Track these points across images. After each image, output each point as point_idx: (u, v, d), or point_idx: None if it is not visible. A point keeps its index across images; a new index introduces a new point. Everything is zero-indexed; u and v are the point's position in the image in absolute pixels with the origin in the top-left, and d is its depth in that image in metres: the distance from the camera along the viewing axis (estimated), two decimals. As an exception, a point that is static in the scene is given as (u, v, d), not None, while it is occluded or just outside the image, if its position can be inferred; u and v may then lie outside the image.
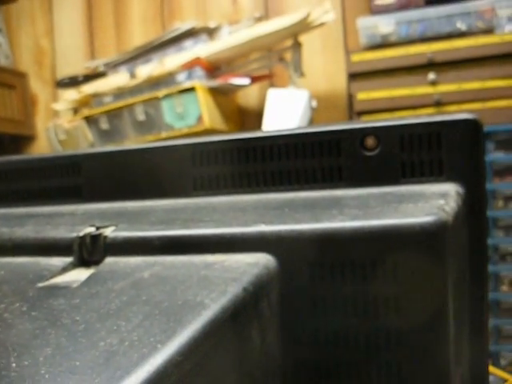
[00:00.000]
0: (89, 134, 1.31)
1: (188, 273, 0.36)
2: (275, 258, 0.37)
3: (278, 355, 0.37)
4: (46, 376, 0.29)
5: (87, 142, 1.31)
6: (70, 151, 0.53)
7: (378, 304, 0.35)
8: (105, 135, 1.31)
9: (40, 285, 0.39)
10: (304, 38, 1.29)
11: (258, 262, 0.36)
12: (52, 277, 0.40)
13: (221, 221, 0.41)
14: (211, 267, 0.36)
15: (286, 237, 0.37)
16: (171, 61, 1.29)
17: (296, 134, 0.44)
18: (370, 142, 0.43)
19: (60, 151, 1.36)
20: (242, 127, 1.48)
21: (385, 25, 1.20)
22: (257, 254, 0.37)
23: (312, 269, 0.36)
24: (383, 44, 1.22)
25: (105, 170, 0.51)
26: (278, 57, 1.30)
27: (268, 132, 0.46)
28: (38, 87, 1.80)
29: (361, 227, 0.36)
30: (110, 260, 0.40)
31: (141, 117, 1.25)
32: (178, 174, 0.48)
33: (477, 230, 0.42)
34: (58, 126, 1.36)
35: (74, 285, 0.38)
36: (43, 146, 1.77)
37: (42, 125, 1.79)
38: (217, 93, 1.28)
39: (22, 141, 1.79)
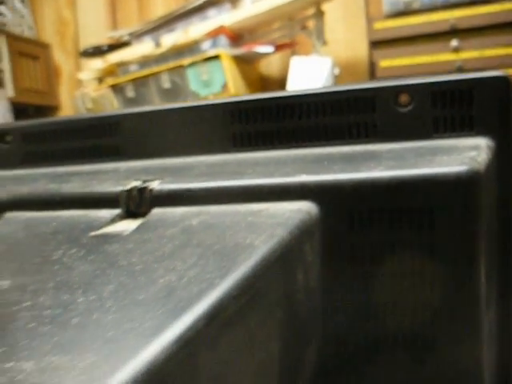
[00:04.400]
0: (115, 102, 1.33)
1: (235, 220, 0.38)
2: (316, 205, 0.38)
3: (319, 298, 0.38)
4: (113, 308, 0.31)
5: (114, 110, 1.32)
6: (109, 111, 0.55)
7: (413, 251, 0.37)
8: (131, 103, 1.33)
9: (92, 234, 0.41)
10: (326, 7, 1.30)
11: (301, 209, 0.38)
12: (102, 227, 0.42)
13: (263, 172, 0.42)
14: (257, 214, 0.38)
15: (326, 185, 0.39)
16: (195, 29, 1.30)
17: (333, 91, 0.46)
18: (404, 98, 0.45)
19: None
20: (265, 95, 1.49)
21: (407, -9, 1.20)
22: (300, 201, 0.39)
23: (351, 217, 0.38)
24: (406, 11, 1.22)
25: (143, 128, 0.53)
26: (300, 25, 1.31)
27: (306, 90, 0.48)
28: (61, 58, 1.82)
29: (399, 176, 0.37)
30: (157, 211, 0.42)
31: (166, 85, 1.26)
32: (217, 131, 0.49)
33: (506, 185, 0.44)
34: (85, 95, 1.38)
35: (125, 233, 0.40)
36: (67, 116, 1.78)
37: (65, 95, 1.81)
38: (240, 61, 1.29)
39: (46, 111, 1.81)
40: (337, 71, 1.25)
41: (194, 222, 0.39)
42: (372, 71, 1.35)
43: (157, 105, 1.29)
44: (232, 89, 1.23)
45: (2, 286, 0.36)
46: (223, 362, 0.30)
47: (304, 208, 0.38)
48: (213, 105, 0.50)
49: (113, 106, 1.36)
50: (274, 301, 0.35)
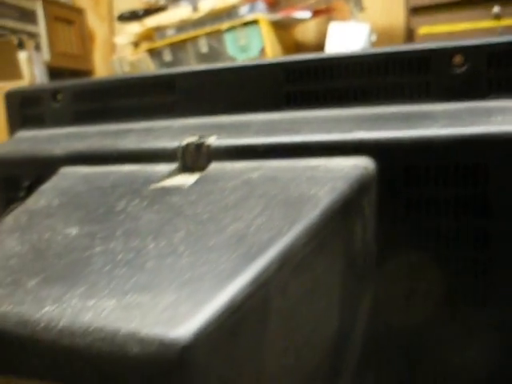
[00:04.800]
0: (152, 66, 1.34)
1: (295, 174, 0.39)
2: (373, 161, 0.39)
3: (374, 251, 0.39)
4: (185, 253, 0.32)
5: (150, 75, 1.32)
6: (164, 69, 0.56)
7: (467, 206, 0.38)
8: (168, 67, 1.33)
9: (152, 186, 0.42)
10: (363, -28, 1.29)
11: (359, 164, 0.39)
12: (160, 180, 0.43)
13: (319, 129, 0.43)
14: (316, 169, 0.39)
15: (384, 142, 0.39)
16: (233, -6, 1.30)
17: (388, 52, 0.46)
18: (458, 59, 0.45)
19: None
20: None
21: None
22: (357, 157, 0.39)
23: (407, 173, 0.39)
24: (447, -24, 1.20)
25: (199, 86, 0.53)
26: (338, -9, 1.31)
27: (361, 50, 0.48)
28: (95, 23, 1.82)
29: (456, 134, 0.38)
30: (214, 165, 0.43)
31: (204, 49, 1.27)
32: (271, 90, 0.50)
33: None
34: (122, 59, 1.39)
35: (186, 186, 0.40)
36: (100, 81, 1.78)
37: (99, 60, 1.81)
38: (277, 26, 1.29)
39: (80, 75, 1.82)
40: (374, 38, 1.24)
41: (255, 175, 0.40)
42: (410, 38, 1.34)
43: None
44: (270, 54, 1.23)
45: (70, 233, 0.38)
46: (292, 307, 0.32)
47: (361, 163, 0.39)
48: (268, 64, 0.50)
49: (150, 71, 1.36)
50: (336, 250, 0.36)
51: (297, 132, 0.43)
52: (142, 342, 0.25)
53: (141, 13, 1.44)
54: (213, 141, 0.44)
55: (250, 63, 0.52)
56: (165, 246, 0.33)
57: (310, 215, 0.33)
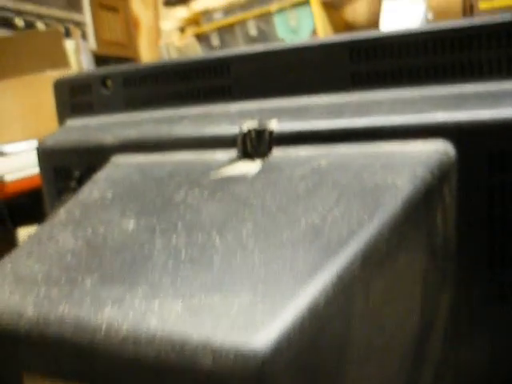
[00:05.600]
0: (200, 51, 1.31)
1: (368, 160, 0.36)
2: (453, 146, 0.36)
3: (454, 240, 0.36)
4: (256, 248, 0.29)
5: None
6: (219, 52, 0.53)
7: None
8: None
9: (212, 175, 0.39)
10: None
11: (438, 148, 0.35)
12: (221, 168, 0.40)
13: (392, 110, 0.40)
14: (391, 155, 0.36)
15: (465, 124, 0.36)
16: (282, -26, 1.27)
17: (464, 26, 0.43)
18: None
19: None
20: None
21: None
22: (435, 140, 0.36)
23: (491, 158, 0.35)
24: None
25: (255, 69, 0.51)
26: (391, -32, 1.26)
27: (430, 26, 0.44)
28: (140, 9, 1.81)
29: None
30: (278, 152, 0.40)
31: (253, 32, 1.24)
32: (335, 70, 0.47)
33: None
34: (169, 44, 1.37)
35: (249, 174, 0.38)
36: (146, 69, 1.78)
37: (144, 47, 1.80)
38: (328, 7, 1.25)
39: (126, 63, 1.82)
40: (431, 16, 1.20)
41: (323, 162, 0.37)
42: (469, 14, 1.28)
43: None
44: (321, 35, 1.19)
45: (127, 227, 0.35)
46: (375, 308, 0.29)
47: (441, 148, 0.36)
48: (330, 43, 0.47)
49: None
50: (418, 244, 0.33)
51: (366, 114, 0.40)
52: (215, 353, 0.22)
53: (187, -3, 1.42)
54: (274, 125, 0.41)
55: (311, 42, 0.48)
56: (232, 241, 0.31)
57: (390, 206, 0.30)
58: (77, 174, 0.52)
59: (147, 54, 1.77)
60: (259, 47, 0.51)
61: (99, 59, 1.59)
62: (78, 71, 1.18)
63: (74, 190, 0.48)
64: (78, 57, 1.18)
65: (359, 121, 0.39)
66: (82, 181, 0.49)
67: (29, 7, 1.39)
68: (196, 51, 1.31)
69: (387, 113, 0.39)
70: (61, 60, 1.15)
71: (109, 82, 0.59)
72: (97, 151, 0.50)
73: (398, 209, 0.30)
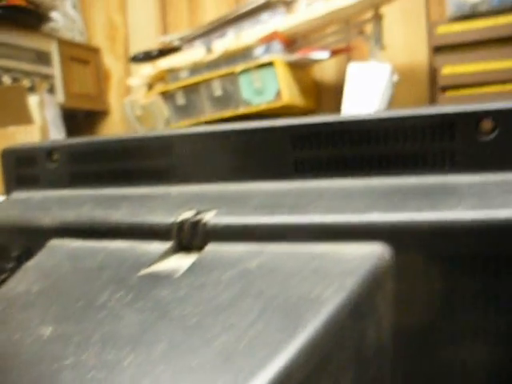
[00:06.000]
0: (165, 110, 1.30)
1: (299, 264, 0.34)
2: (390, 249, 0.34)
3: (390, 351, 0.35)
4: (164, 375, 0.28)
5: (163, 118, 1.30)
6: (161, 131, 0.52)
7: (500, 303, 0.33)
8: (181, 111, 1.30)
9: (141, 273, 0.38)
10: (384, 9, 1.24)
11: (372, 252, 0.34)
12: (152, 264, 0.39)
13: (329, 207, 0.38)
14: (323, 258, 0.35)
15: (402, 226, 0.35)
16: (248, 35, 1.26)
17: (406, 116, 0.42)
18: (487, 125, 0.40)
19: (138, 128, 1.36)
20: (319, 102, 1.45)
21: (475, -7, 1.13)
22: (371, 243, 0.35)
23: (430, 261, 0.34)
24: (472, 14, 1.15)
25: (198, 150, 0.49)
26: (357, 29, 1.26)
27: (376, 113, 0.44)
28: (111, 62, 1.81)
29: (486, 218, 0.33)
30: (211, 247, 0.39)
31: (218, 92, 1.23)
32: (278, 156, 0.46)
33: None
34: (134, 102, 1.36)
35: (177, 274, 0.37)
36: (116, 121, 1.78)
37: (114, 100, 1.80)
38: (294, 67, 1.25)
39: (95, 116, 1.81)
40: (396, 78, 1.20)
41: (253, 264, 0.36)
42: (433, 78, 1.30)
43: (208, 113, 1.26)
44: (286, 97, 1.18)
45: (44, 334, 0.34)
46: None
47: (376, 251, 0.34)
48: (274, 127, 0.46)
49: (162, 114, 1.33)
50: (343, 363, 0.31)
51: (305, 210, 0.38)
52: None
53: (154, 53, 1.42)
54: (210, 217, 0.40)
55: (255, 125, 0.47)
56: (142, 363, 0.29)
57: (311, 325, 0.29)
58: (15, 254, 0.50)
59: (117, 108, 1.77)
60: (202, 128, 0.50)
61: (68, 112, 1.58)
62: (43, 127, 1.16)
63: (13, 271, 0.46)
64: (43, 112, 1.16)
65: (295, 218, 0.38)
66: (20, 261, 0.47)
67: (-4, 61, 1.39)
68: (161, 110, 1.30)
69: (325, 209, 0.38)
70: (24, 116, 1.14)
71: (55, 156, 0.58)
72: (35, 232, 0.48)
73: (319, 328, 0.29)
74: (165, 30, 1.71)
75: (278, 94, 1.18)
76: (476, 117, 0.40)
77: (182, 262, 0.38)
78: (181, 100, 1.28)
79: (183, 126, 1.33)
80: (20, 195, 0.60)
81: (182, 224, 0.40)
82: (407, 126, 0.41)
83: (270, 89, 1.19)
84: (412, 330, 0.35)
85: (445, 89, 1.15)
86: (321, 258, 0.35)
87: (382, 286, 0.34)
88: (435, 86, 1.30)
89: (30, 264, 0.44)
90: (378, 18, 1.21)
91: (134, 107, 1.34)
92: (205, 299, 0.33)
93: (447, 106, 0.41)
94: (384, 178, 0.42)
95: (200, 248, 0.39)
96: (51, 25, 1.62)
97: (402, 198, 0.38)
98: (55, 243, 0.46)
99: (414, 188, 0.40)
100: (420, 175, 0.41)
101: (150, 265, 0.39)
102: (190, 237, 0.40)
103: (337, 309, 0.30)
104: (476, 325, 0.34)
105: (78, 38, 1.76)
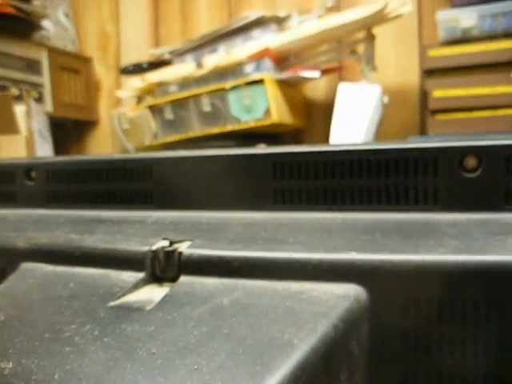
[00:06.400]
0: (153, 124, 1.29)
1: (272, 303, 0.33)
2: (366, 290, 0.33)
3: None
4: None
5: (151, 132, 1.29)
6: (141, 154, 0.50)
7: (478, 348, 0.32)
8: (169, 125, 1.28)
9: (112, 304, 0.37)
10: (375, 30, 1.24)
11: (348, 294, 0.33)
12: (123, 294, 0.38)
13: (306, 243, 0.37)
14: (297, 297, 0.34)
15: (379, 268, 0.34)
16: (239, 51, 1.25)
17: (388, 149, 0.41)
18: (471, 162, 0.39)
19: (124, 142, 1.35)
20: (309, 120, 1.44)
21: (466, 18, 1.13)
22: (346, 284, 0.34)
23: (407, 305, 0.33)
24: (463, 39, 1.15)
25: (178, 175, 0.48)
26: (349, 49, 1.26)
27: (357, 145, 0.43)
28: (102, 72, 1.80)
29: (464, 262, 0.32)
30: (184, 279, 0.38)
31: (207, 108, 1.22)
32: (257, 185, 0.45)
33: None
34: (121, 115, 1.35)
35: (148, 307, 0.35)
36: (105, 132, 1.77)
37: (104, 110, 1.79)
38: (285, 85, 1.24)
39: (84, 126, 1.80)
40: (386, 99, 1.19)
41: (226, 300, 0.35)
42: (423, 101, 1.29)
43: (196, 129, 1.24)
44: (275, 115, 1.17)
45: (4, 369, 0.32)
46: None
47: (351, 293, 0.33)
48: (254, 155, 0.45)
49: (150, 128, 1.32)
50: (313, 412, 0.30)
51: (280, 245, 0.37)
52: None
53: (145, 66, 1.40)
54: (184, 248, 0.39)
55: (236, 152, 0.46)
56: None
57: (280, 372, 0.28)
58: (-14, 276, 0.48)
59: (107, 118, 1.75)
60: (182, 152, 0.49)
61: (56, 121, 1.57)
62: (28, 137, 1.15)
63: (-17, 294, 0.45)
64: (29, 122, 1.15)
65: (271, 254, 0.36)
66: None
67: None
68: (149, 124, 1.29)
69: (302, 247, 0.37)
70: (10, 125, 1.12)
71: (33, 174, 0.57)
72: (8, 254, 0.47)
73: (287, 375, 0.28)
74: (157, 41, 1.70)
75: (267, 112, 1.17)
76: (460, 153, 0.39)
77: (153, 294, 0.37)
78: (169, 115, 1.27)
79: (171, 141, 1.32)
80: (-3, 212, 0.58)
81: (155, 254, 0.39)
82: (390, 159, 0.41)
83: (259, 106, 1.18)
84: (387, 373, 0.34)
85: (435, 112, 1.15)
86: (295, 297, 0.34)
87: (356, 329, 0.33)
88: (425, 109, 1.29)
89: (1, 289, 0.43)
90: (370, 39, 1.20)
91: (121, 120, 1.33)
92: (173, 337, 0.32)
93: (431, 140, 0.41)
94: (365, 212, 0.41)
95: (173, 279, 0.38)
96: (42, 33, 1.61)
97: (382, 235, 0.37)
98: (28, 266, 0.45)
99: (395, 225, 0.39)
100: (402, 211, 0.40)
101: (121, 296, 0.38)
102: (163, 268, 0.39)
103: (307, 354, 0.29)
104: (452, 368, 0.33)
105: (70, 46, 1.75)
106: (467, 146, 0.40)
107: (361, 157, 0.42)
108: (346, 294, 0.33)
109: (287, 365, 0.28)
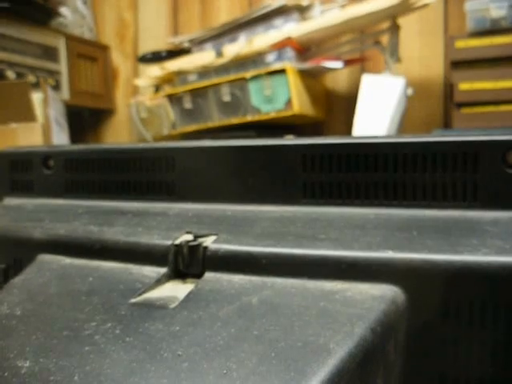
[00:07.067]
0: (171, 113, 1.27)
1: (304, 303, 0.32)
2: (403, 292, 0.31)
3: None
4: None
5: (169, 121, 1.27)
6: (164, 143, 0.48)
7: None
8: (187, 115, 1.26)
9: (133, 300, 0.35)
10: (402, 21, 1.21)
11: (385, 295, 0.31)
12: (145, 291, 0.36)
13: (339, 240, 0.35)
14: (331, 298, 0.32)
15: (418, 268, 0.32)
16: (260, 40, 1.23)
17: (426, 142, 0.39)
18: (514, 157, 0.37)
19: (142, 131, 1.33)
20: (330, 112, 1.42)
21: (497, 8, 1.10)
22: (383, 284, 0.32)
23: (446, 307, 0.31)
24: (492, 30, 1.12)
25: (201, 166, 0.46)
26: (372, 40, 1.23)
27: (391, 138, 0.40)
28: (120, 60, 1.78)
29: (508, 264, 0.30)
30: (210, 276, 0.36)
31: (226, 98, 1.20)
32: (286, 177, 0.43)
33: None
34: (139, 104, 1.33)
35: (172, 304, 0.34)
36: (122, 120, 1.75)
37: (121, 99, 1.77)
38: (306, 75, 1.22)
39: (101, 114, 1.79)
40: (410, 92, 1.17)
41: (255, 299, 0.33)
42: (449, 93, 1.26)
43: (215, 119, 1.22)
44: (296, 106, 1.15)
45: (21, 369, 0.31)
46: None
47: (388, 294, 0.31)
48: (283, 146, 0.43)
49: (168, 117, 1.30)
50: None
51: (312, 242, 0.35)
52: None
53: (163, 54, 1.39)
54: (210, 243, 0.37)
55: (264, 143, 0.44)
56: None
57: (316, 379, 0.26)
58: (2, 266, 0.47)
59: (123, 107, 1.74)
60: (206, 142, 0.46)
61: (73, 109, 1.55)
62: (45, 125, 1.14)
63: (-1, 286, 0.43)
64: (46, 110, 1.14)
65: (302, 251, 0.35)
66: (7, 274, 0.45)
67: (-1, 55, 1.36)
68: (167, 113, 1.27)
69: (335, 243, 0.35)
70: (26, 113, 1.11)
71: (50, 162, 0.55)
72: (24, 245, 0.46)
73: (326, 381, 0.26)
74: (175, 29, 1.68)
75: (289, 103, 1.14)
76: (503, 148, 0.37)
77: (177, 291, 0.35)
78: (188, 104, 1.25)
79: (189, 131, 1.30)
80: (12, 202, 0.57)
81: (179, 248, 0.38)
82: (427, 153, 0.38)
83: (280, 97, 1.15)
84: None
85: (460, 105, 1.12)
86: (328, 297, 0.32)
87: (393, 333, 0.31)
88: (449, 102, 1.26)
89: (17, 281, 0.41)
90: (394, 29, 1.17)
91: (139, 109, 1.31)
92: (200, 338, 0.30)
93: (471, 134, 0.38)
94: (399, 208, 0.39)
95: (197, 276, 0.36)
96: (60, 20, 1.59)
97: (418, 233, 0.35)
98: (45, 258, 0.44)
99: (432, 222, 0.37)
100: (439, 208, 0.38)
101: (143, 292, 0.36)
102: (187, 263, 0.38)
103: (345, 359, 0.27)
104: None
105: (87, 34, 1.73)
106: (510, 140, 0.37)
107: (396, 150, 0.39)
108: (383, 295, 0.31)
109: (323, 371, 0.26)
